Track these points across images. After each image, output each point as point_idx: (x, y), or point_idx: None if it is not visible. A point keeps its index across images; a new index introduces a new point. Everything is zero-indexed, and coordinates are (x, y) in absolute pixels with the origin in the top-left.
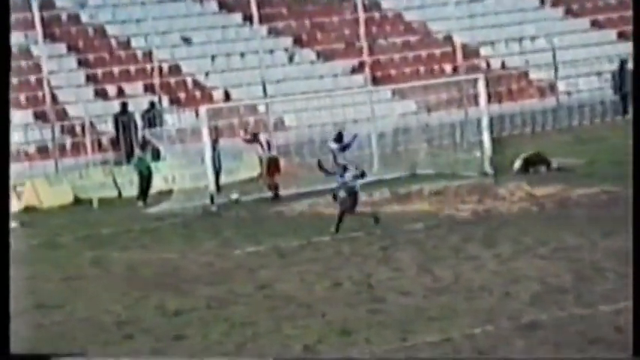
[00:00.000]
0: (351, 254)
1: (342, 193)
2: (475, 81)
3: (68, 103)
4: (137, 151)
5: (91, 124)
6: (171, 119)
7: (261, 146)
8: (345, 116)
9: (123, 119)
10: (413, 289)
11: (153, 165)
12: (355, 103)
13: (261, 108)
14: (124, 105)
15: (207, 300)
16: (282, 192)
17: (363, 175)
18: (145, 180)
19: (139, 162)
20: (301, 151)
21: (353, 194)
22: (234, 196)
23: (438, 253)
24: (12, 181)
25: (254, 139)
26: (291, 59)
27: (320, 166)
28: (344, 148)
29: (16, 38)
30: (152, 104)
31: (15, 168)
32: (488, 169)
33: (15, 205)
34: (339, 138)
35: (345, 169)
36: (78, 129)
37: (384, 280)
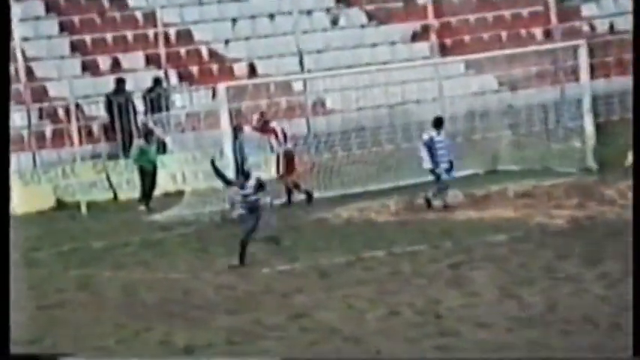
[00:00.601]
0: (412, 274)
1: (240, 210)
2: (574, 49)
3: (48, 80)
4: (138, 141)
5: (78, 106)
6: (181, 100)
7: (276, 137)
8: (405, 96)
9: (119, 100)
10: (493, 320)
11: (158, 159)
12: (418, 80)
13: (297, 86)
14: (120, 82)
15: (227, 333)
16: (323, 194)
17: (261, 186)
18: (149, 178)
19: (141, 155)
20: (348, 141)
21: (255, 212)
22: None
23: (526, 272)
24: None
25: (264, 127)
26: (334, 22)
27: (214, 167)
28: (431, 147)
29: None
30: (156, 81)
31: None
32: (591, 163)
33: None
34: (437, 124)
35: (247, 176)
36: (61, 113)
37: (455, 308)
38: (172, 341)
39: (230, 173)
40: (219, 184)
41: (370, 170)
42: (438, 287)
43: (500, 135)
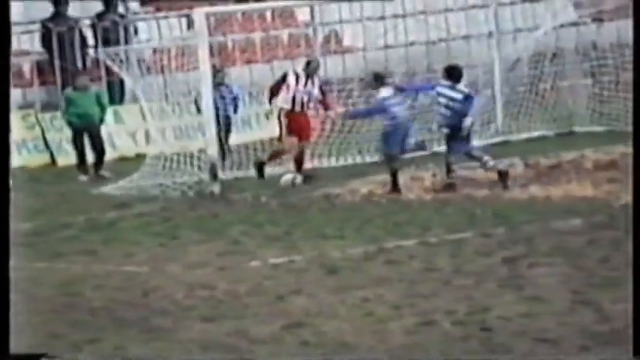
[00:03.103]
0: (452, 271)
1: None
2: None
3: None
4: (81, 79)
5: None
6: (146, 31)
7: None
8: (449, 30)
9: (59, 30)
10: (561, 334)
11: (111, 111)
12: (467, 7)
13: (302, 14)
14: (61, 4)
15: (201, 347)
16: (333, 162)
17: None
18: (82, 138)
19: (68, 106)
20: (370, 90)
21: None
22: (290, 177)
23: (608, 271)
24: None
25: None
26: None
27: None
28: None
29: None
30: (109, 4)
31: None
32: None
33: None
34: (450, 74)
35: None
36: None
37: (509, 318)
38: (127, 357)
39: (209, 132)
40: (193, 145)
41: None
42: (488, 289)
43: (578, 84)
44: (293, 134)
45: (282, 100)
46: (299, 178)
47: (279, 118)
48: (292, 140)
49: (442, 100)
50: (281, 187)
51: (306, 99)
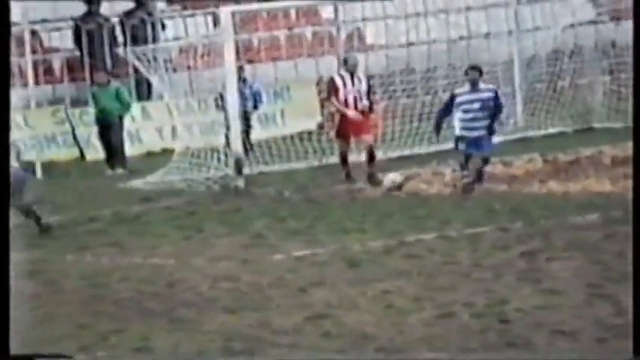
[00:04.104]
0: (471, 264)
1: None
2: None
3: None
4: (99, 76)
5: (34, 34)
6: (173, 28)
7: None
8: (469, 29)
9: (89, 28)
10: (578, 327)
11: (138, 107)
12: (487, 5)
13: (326, 12)
14: (93, 2)
15: (224, 337)
16: (356, 158)
17: None
18: (108, 133)
19: (94, 103)
20: (394, 86)
21: None
22: (396, 178)
23: (624, 265)
24: None
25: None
26: None
27: None
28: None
29: None
30: (138, 2)
31: None
32: None
33: None
34: (471, 75)
35: None
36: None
37: (527, 311)
38: (152, 348)
39: (234, 128)
40: (219, 141)
41: (420, 126)
42: (506, 282)
43: (597, 82)
44: (349, 134)
45: (338, 104)
46: (400, 178)
47: (337, 122)
48: (344, 142)
49: (464, 107)
50: (386, 187)
51: (358, 97)
